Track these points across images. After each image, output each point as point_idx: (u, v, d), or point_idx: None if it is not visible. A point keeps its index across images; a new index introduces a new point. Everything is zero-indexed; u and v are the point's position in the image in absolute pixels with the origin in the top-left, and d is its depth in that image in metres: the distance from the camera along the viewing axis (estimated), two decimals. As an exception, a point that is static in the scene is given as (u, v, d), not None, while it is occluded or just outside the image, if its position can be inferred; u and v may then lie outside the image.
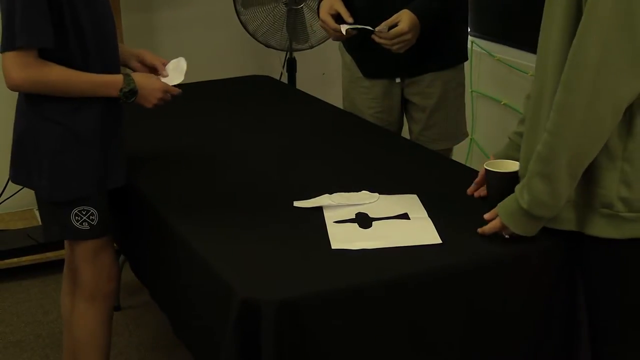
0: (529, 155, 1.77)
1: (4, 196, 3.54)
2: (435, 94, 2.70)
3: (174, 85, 2.21)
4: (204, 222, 1.98)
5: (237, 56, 3.93)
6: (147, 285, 2.28)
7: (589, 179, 1.73)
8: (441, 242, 1.84)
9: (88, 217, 2.14)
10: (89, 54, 2.07)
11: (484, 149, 3.69)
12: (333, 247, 1.82)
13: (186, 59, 2.32)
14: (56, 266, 3.21)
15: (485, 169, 1.96)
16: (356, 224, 1.93)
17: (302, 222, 1.95)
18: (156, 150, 2.43)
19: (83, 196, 2.13)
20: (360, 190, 2.08)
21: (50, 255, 3.31)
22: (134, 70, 2.28)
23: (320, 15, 2.61)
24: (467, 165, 2.48)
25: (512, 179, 1.90)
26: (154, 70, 2.29)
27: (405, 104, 2.79)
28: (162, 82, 2.18)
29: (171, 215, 2.03)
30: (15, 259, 3.32)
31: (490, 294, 1.79)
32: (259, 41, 3.62)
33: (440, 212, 1.97)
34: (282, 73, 3.80)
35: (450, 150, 2.81)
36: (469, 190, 2.04)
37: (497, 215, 1.81)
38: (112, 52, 2.16)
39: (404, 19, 2.47)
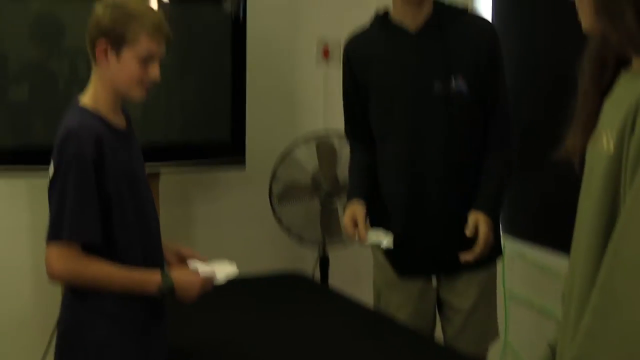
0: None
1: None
2: (471, 295, 2.64)
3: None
4: None
5: (270, 250, 3.95)
6: None
7: None
8: None
9: None
10: (132, 248, 2.10)
11: (519, 353, 3.58)
12: None
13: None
14: None
15: None
16: None
17: None
18: (185, 343, 2.40)
19: None
20: None
21: None
22: (170, 264, 2.28)
23: (345, 220, 2.60)
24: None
25: None
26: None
27: (439, 305, 2.72)
28: (201, 276, 2.17)
29: None
30: None
31: None
32: (292, 236, 3.63)
33: None
34: (314, 269, 3.79)
35: (485, 351, 2.72)
36: None
37: None
38: (155, 248, 2.19)
39: (482, 221, 2.47)
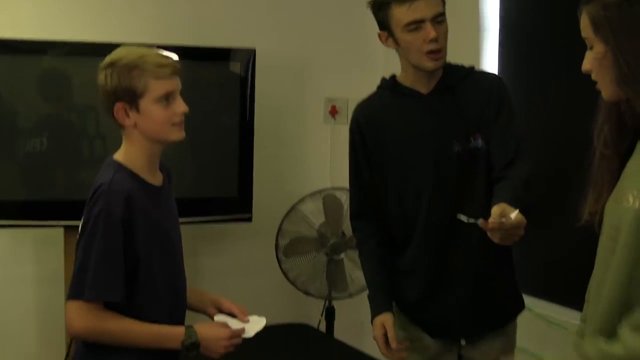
0: None
1: None
2: (493, 354, 2.51)
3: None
4: None
5: (276, 302, 3.93)
6: None
7: None
8: None
9: None
10: (158, 305, 2.07)
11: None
12: None
13: None
14: None
15: None
16: None
17: None
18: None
19: None
20: None
21: None
22: (211, 316, 2.25)
23: (375, 333, 2.44)
24: None
25: None
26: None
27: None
28: (228, 329, 2.12)
29: None
30: None
31: None
32: (298, 289, 3.64)
33: None
34: (320, 321, 3.78)
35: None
36: None
37: None
38: (181, 305, 2.16)
39: (517, 211, 2.12)
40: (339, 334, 3.60)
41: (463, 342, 2.50)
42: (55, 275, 3.43)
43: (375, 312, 2.46)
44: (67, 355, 3.29)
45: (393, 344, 2.39)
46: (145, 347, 2.02)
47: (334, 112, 4.02)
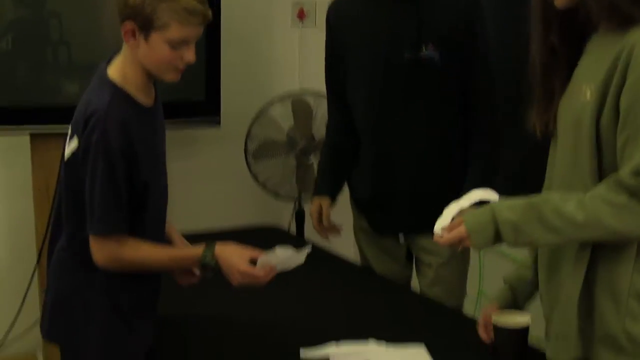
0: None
1: (6, 339, 3.49)
2: (442, 252, 2.65)
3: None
4: None
5: (246, 206, 3.98)
6: None
7: (595, 310, 1.74)
8: None
9: None
10: (158, 229, 2.10)
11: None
12: None
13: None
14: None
15: (494, 325, 1.92)
16: None
17: None
18: (163, 303, 2.36)
19: None
20: (368, 340, 2.05)
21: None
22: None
23: (311, 209, 2.79)
24: (477, 319, 2.46)
25: (523, 334, 1.87)
26: None
27: (413, 259, 2.79)
28: (244, 263, 2.03)
29: None
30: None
31: None
32: (268, 191, 3.66)
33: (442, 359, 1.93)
34: (290, 223, 3.82)
35: (460, 303, 2.77)
36: (484, 337, 1.98)
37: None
38: (162, 225, 2.17)
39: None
40: (309, 235, 3.62)
41: (402, 237, 2.72)
42: (23, 184, 3.43)
43: (316, 193, 2.80)
44: (38, 262, 3.30)
45: (325, 222, 2.73)
46: (165, 270, 2.06)
47: (301, 15, 3.97)
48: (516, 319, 1.89)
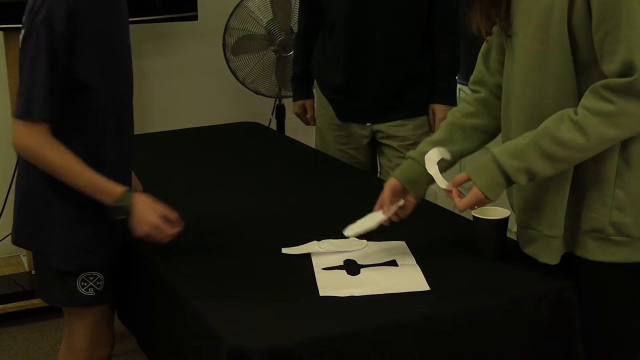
0: None
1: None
2: (407, 137, 2.82)
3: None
4: (191, 269, 1.97)
5: (226, 103, 3.95)
6: (134, 333, 2.25)
7: (582, 202, 1.77)
8: (429, 289, 1.84)
9: (95, 283, 2.06)
10: (103, 145, 2.02)
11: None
12: (321, 294, 1.82)
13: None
14: (43, 313, 3.20)
15: (474, 217, 1.96)
16: (344, 270, 1.93)
17: (290, 269, 1.95)
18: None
19: (93, 262, 2.06)
20: (348, 237, 2.07)
21: (36, 302, 3.27)
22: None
23: (295, 110, 3.09)
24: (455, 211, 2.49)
25: (502, 225, 1.92)
26: None
27: (378, 145, 2.92)
28: (158, 220, 1.97)
29: (159, 262, 2.01)
30: (1, 306, 3.30)
31: (481, 341, 1.78)
32: (248, 88, 3.64)
33: (428, 258, 1.97)
34: (271, 119, 3.82)
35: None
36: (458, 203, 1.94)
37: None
38: (126, 147, 2.11)
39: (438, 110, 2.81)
40: (290, 131, 3.65)
41: (368, 124, 2.86)
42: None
43: (297, 97, 3.07)
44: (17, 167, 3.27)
45: (311, 121, 3.05)
46: (78, 189, 1.95)
47: None
48: (495, 213, 1.95)
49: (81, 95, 1.93)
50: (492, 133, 2.01)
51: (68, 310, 2.16)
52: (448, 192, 1.84)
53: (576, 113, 1.68)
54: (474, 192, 1.79)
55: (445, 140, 1.98)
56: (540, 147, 1.70)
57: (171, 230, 1.98)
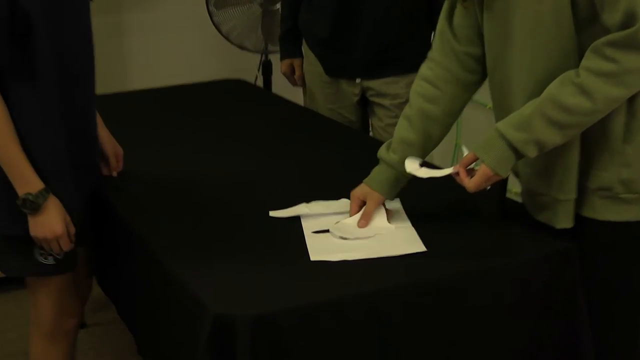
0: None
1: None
2: (399, 95, 2.76)
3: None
4: (174, 234, 1.93)
5: (210, 59, 3.93)
6: (114, 301, 2.22)
7: (589, 161, 1.76)
8: (425, 250, 1.80)
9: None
10: (49, 101, 1.93)
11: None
12: (312, 258, 1.78)
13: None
14: (10, 283, 3.10)
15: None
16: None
17: (278, 233, 1.92)
18: (129, 159, 2.35)
19: None
20: (340, 198, 2.04)
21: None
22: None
23: (282, 69, 3.09)
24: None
25: (502, 185, 1.89)
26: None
27: (369, 104, 2.89)
28: (62, 231, 1.93)
29: (140, 227, 1.98)
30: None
31: (481, 305, 1.76)
32: (233, 43, 3.59)
33: (422, 218, 1.94)
34: (257, 76, 3.78)
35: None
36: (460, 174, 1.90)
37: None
38: (84, 113, 2.06)
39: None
40: (277, 89, 3.61)
41: (358, 80, 2.82)
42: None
43: (284, 55, 3.06)
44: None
45: (299, 81, 3.04)
46: None
47: None
48: None
49: (28, 41, 1.85)
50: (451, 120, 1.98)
51: (29, 281, 2.11)
52: (456, 175, 1.80)
53: (578, 75, 1.66)
54: (483, 170, 1.75)
55: (421, 141, 1.94)
56: (546, 115, 1.68)
57: (67, 246, 1.95)
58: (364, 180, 1.98)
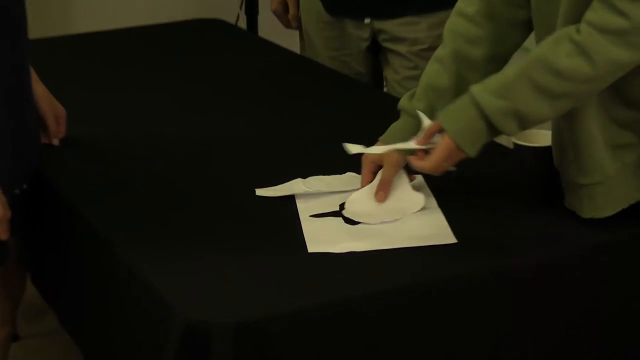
0: None
1: None
2: (419, 40, 2.78)
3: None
4: (134, 220, 1.93)
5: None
6: (54, 307, 2.23)
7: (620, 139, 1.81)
8: (456, 241, 1.80)
9: None
10: None
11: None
12: (309, 250, 1.78)
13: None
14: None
15: (515, 144, 1.95)
16: (341, 218, 1.90)
17: (267, 217, 1.92)
18: (75, 121, 2.35)
19: None
20: (345, 172, 2.04)
21: None
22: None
23: (272, 7, 3.12)
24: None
25: (548, 156, 1.91)
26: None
27: (381, 51, 2.89)
28: (5, 212, 1.95)
29: (90, 212, 1.97)
30: None
31: (523, 307, 1.76)
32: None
33: (449, 198, 1.94)
34: (239, 15, 3.82)
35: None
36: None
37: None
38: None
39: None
40: (264, 32, 3.65)
41: (367, 20, 2.83)
42: None
43: None
44: None
45: (293, 22, 3.08)
46: None
47: None
48: (541, 138, 1.94)
49: None
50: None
51: None
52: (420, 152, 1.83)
53: (578, 31, 1.68)
54: (444, 144, 1.76)
55: (454, 88, 1.95)
56: (533, 79, 1.69)
57: (5, 235, 1.96)
58: (379, 138, 1.98)
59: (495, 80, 1.75)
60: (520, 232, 1.85)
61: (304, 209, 1.92)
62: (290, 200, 1.96)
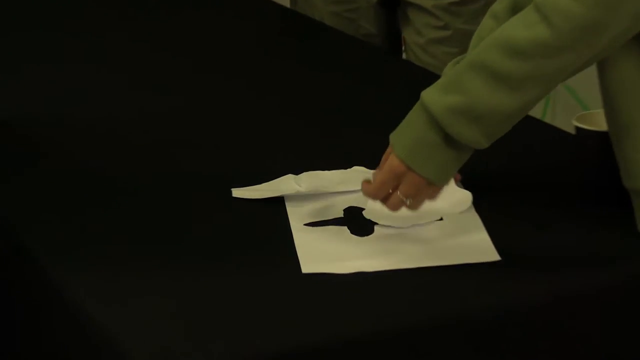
0: None
1: None
2: None
3: None
4: (77, 232, 1.90)
5: None
6: None
7: None
8: (499, 258, 1.77)
9: None
10: None
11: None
12: (304, 270, 1.75)
13: None
14: None
15: (576, 127, 1.97)
16: (345, 227, 1.88)
17: (247, 226, 1.91)
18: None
19: None
20: (351, 165, 2.06)
21: None
22: None
23: None
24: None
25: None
26: None
27: (399, 5, 2.95)
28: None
29: (22, 223, 1.96)
30: None
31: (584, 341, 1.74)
32: None
33: (487, 199, 1.94)
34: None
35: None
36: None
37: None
38: None
39: None
40: None
41: None
42: None
43: None
44: None
45: None
46: None
47: None
48: (599, 121, 1.96)
49: None
50: None
51: None
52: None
53: None
54: (389, 162, 1.77)
55: None
56: (486, 65, 1.71)
57: None
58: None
59: (447, 75, 1.78)
60: (579, 248, 1.84)
61: (296, 215, 1.92)
62: (278, 203, 1.96)
